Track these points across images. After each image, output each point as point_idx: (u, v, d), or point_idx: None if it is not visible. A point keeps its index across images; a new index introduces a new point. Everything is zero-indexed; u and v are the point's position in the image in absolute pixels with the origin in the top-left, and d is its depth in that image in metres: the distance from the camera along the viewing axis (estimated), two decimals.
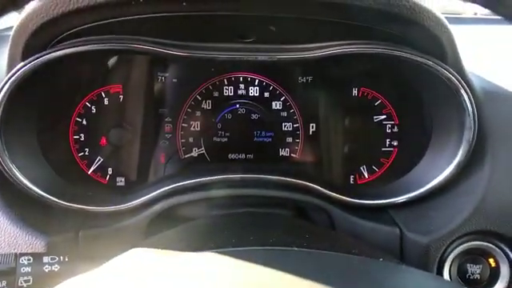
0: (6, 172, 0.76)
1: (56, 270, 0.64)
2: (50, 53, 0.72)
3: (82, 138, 0.94)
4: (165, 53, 0.78)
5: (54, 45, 0.75)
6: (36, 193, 0.79)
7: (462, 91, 0.78)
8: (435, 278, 0.69)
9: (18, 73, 0.72)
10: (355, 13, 0.72)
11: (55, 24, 0.69)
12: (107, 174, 0.96)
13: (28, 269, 0.61)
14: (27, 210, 0.79)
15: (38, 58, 0.72)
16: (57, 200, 0.81)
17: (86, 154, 0.95)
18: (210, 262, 0.40)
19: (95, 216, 0.85)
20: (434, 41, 0.77)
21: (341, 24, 0.79)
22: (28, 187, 0.78)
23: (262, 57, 0.83)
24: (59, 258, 0.65)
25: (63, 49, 0.72)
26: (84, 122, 0.94)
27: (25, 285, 0.60)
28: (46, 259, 0.64)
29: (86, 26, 0.73)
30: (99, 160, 0.95)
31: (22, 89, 0.74)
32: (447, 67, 0.78)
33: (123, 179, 0.97)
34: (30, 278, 0.61)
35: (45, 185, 0.81)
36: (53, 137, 0.91)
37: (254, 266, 0.38)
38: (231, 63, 0.91)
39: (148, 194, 0.87)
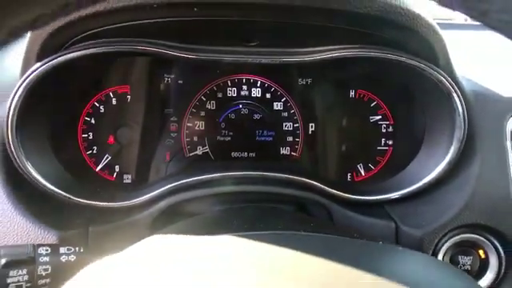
0: (21, 169, 0.80)
1: (72, 260, 0.67)
2: (66, 54, 0.75)
3: (91, 137, 0.98)
4: (174, 55, 0.82)
5: (68, 47, 0.79)
6: (49, 189, 0.82)
7: (453, 93, 0.83)
8: (433, 259, 0.74)
9: (35, 73, 0.75)
10: (354, 19, 0.77)
11: (72, 26, 0.73)
12: (114, 171, 0.99)
13: (46, 258, 0.65)
14: (40, 206, 0.82)
15: (54, 59, 0.75)
16: (68, 195, 0.84)
17: (94, 152, 0.98)
18: (228, 244, 0.44)
19: (104, 212, 0.88)
20: (426, 45, 0.82)
21: (339, 29, 0.84)
22: (42, 183, 0.81)
23: (265, 60, 0.87)
24: (75, 249, 0.68)
25: (78, 50, 0.76)
26: (92, 121, 0.97)
27: (43, 273, 0.64)
28: (62, 250, 0.67)
29: (99, 29, 0.77)
30: (107, 158, 0.98)
31: (36, 89, 0.78)
32: (439, 70, 0.83)
33: (130, 176, 1.00)
34: (49, 267, 0.64)
35: (57, 181, 0.85)
36: (63, 136, 0.94)
37: (269, 247, 0.42)
38: (235, 65, 0.95)
39: (154, 190, 0.91)
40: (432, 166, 0.92)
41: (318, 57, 0.87)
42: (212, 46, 0.87)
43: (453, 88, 0.83)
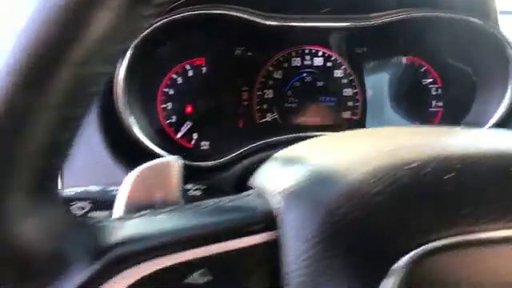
0: (128, 129, 0.85)
1: (197, 194, 0.73)
2: (173, 15, 0.82)
3: (170, 107, 1.04)
4: (260, 22, 0.91)
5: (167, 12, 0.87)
6: (149, 148, 0.88)
7: (506, 44, 0.94)
8: None
9: (144, 33, 0.82)
10: None
11: None
12: (192, 139, 1.05)
13: None
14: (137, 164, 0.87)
15: (161, 21, 0.82)
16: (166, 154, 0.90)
17: (173, 121, 1.04)
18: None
19: (190, 172, 0.94)
20: (478, 4, 0.94)
21: None
22: (145, 143, 0.87)
23: (337, 23, 0.97)
24: (198, 186, 0.74)
25: (185, 12, 0.83)
26: (171, 92, 1.04)
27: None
28: (188, 186, 0.73)
29: None
30: (186, 126, 1.04)
31: (141, 50, 0.84)
32: (492, 24, 0.94)
33: (207, 143, 1.06)
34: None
35: (153, 141, 0.90)
36: (145, 105, 1.00)
37: None
38: (304, 32, 1.04)
39: (233, 153, 0.98)
40: (485, 121, 1.02)
41: (383, 20, 0.97)
42: (287, 14, 0.96)
43: (506, 40, 0.94)
